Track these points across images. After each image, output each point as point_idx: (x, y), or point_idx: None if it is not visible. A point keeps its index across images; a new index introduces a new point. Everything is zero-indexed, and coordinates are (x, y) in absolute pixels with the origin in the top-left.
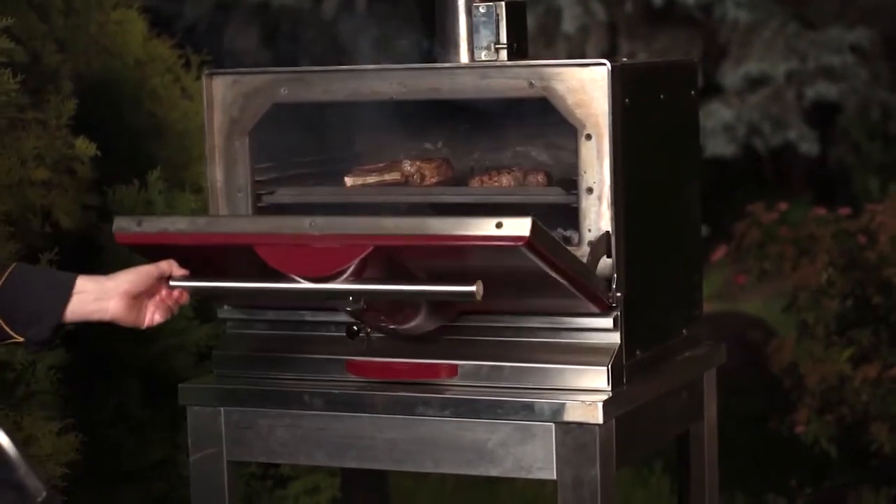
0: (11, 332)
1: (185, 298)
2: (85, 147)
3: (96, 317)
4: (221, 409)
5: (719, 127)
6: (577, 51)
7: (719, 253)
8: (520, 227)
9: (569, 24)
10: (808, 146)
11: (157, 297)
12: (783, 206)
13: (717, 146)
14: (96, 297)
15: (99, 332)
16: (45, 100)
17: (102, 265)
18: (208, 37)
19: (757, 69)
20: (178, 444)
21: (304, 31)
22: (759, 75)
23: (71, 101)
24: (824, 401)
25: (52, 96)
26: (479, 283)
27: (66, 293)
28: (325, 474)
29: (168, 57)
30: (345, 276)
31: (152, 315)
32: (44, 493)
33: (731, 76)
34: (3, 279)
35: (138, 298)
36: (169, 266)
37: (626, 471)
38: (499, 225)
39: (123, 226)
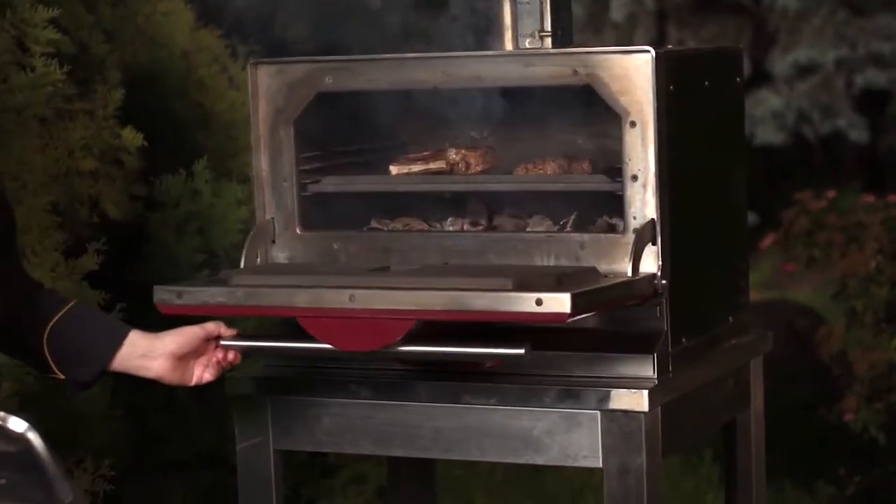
0: (55, 369)
1: (237, 358)
2: (132, 137)
3: (141, 373)
4: (268, 398)
5: (768, 115)
6: (625, 39)
7: (768, 241)
8: (560, 303)
9: (617, 13)
10: (858, 133)
11: (207, 356)
12: (831, 193)
13: (767, 134)
14: (144, 353)
15: (147, 321)
16: (93, 90)
17: (148, 255)
18: (258, 27)
19: (806, 57)
20: (227, 434)
21: (354, 19)
22: (808, 63)
23: (118, 91)
24: (873, 388)
25: (100, 86)
26: (528, 346)
27: (118, 342)
28: (372, 463)
29: (215, 47)
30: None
31: (201, 374)
32: (70, 497)
33: (780, 64)
34: (61, 314)
35: (184, 359)
36: (216, 327)
37: (675, 459)
38: (538, 302)
39: (164, 297)
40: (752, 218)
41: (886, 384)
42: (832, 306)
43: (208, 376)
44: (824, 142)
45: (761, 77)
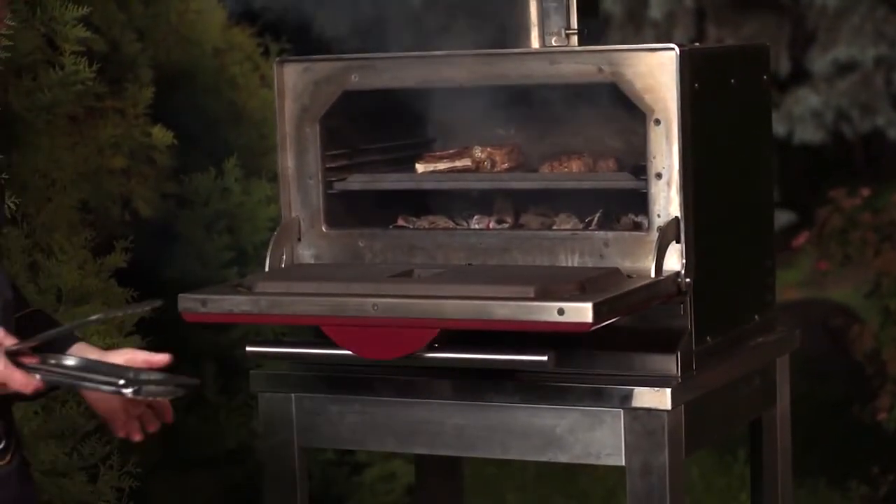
0: None
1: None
2: (162, 135)
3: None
4: (292, 395)
5: (808, 113)
6: (664, 37)
7: (801, 239)
8: (582, 313)
9: (656, 11)
10: None
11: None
12: (865, 191)
13: (806, 132)
14: None
15: (173, 319)
16: (124, 88)
17: (180, 253)
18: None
19: (845, 55)
20: (254, 431)
21: (390, 18)
22: (847, 61)
23: (148, 90)
24: None
25: (130, 85)
26: (552, 353)
27: (65, 348)
28: (401, 462)
29: (247, 45)
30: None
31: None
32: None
33: (819, 62)
34: (20, 315)
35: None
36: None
37: (709, 458)
38: (560, 311)
39: (189, 306)
40: (790, 217)
41: None
42: (868, 305)
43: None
44: (864, 140)
45: (801, 75)
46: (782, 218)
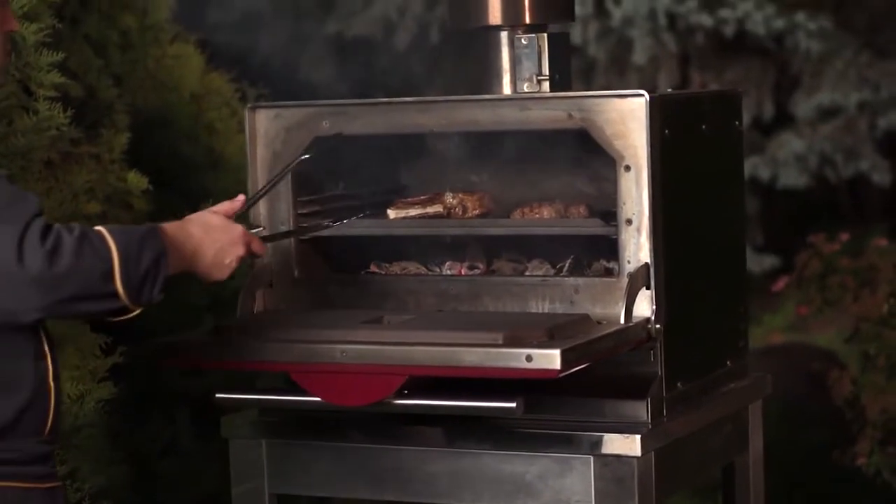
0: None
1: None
2: (137, 181)
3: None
4: (263, 441)
5: (791, 157)
6: (648, 82)
7: (781, 284)
8: (549, 360)
9: (640, 56)
10: (881, 176)
11: None
12: (845, 236)
13: (790, 177)
14: None
15: (147, 365)
16: (99, 134)
17: None
18: (282, 71)
19: (829, 99)
20: (227, 477)
21: (376, 62)
22: (831, 105)
23: (123, 135)
24: (886, 432)
25: (106, 130)
26: (520, 399)
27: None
28: None
29: (225, 90)
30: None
31: None
32: None
33: (803, 106)
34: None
35: None
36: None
37: (688, 502)
38: (528, 358)
39: (161, 352)
40: (774, 261)
41: None
42: (849, 349)
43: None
44: (850, 185)
45: (785, 119)
46: (766, 262)
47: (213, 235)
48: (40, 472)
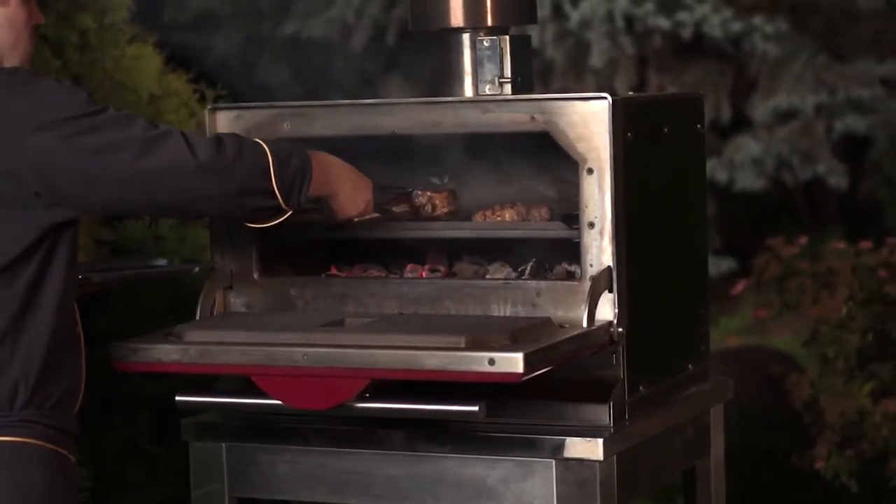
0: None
1: None
2: None
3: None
4: (223, 444)
5: (748, 160)
6: (605, 85)
7: (739, 287)
8: (512, 363)
9: (597, 59)
10: (838, 179)
11: None
12: (803, 240)
13: (746, 180)
14: None
15: (108, 368)
16: None
17: (115, 300)
18: (239, 71)
19: (786, 102)
20: (188, 480)
21: (332, 64)
22: (788, 108)
23: None
24: (844, 436)
25: None
26: (482, 403)
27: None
28: None
29: (183, 91)
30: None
31: None
32: None
33: (760, 109)
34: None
35: None
36: None
37: None
38: (491, 361)
39: (119, 355)
40: (731, 264)
41: (857, 432)
42: (807, 352)
43: None
44: (806, 188)
45: (742, 123)
46: (723, 265)
47: (351, 174)
48: (71, 444)
